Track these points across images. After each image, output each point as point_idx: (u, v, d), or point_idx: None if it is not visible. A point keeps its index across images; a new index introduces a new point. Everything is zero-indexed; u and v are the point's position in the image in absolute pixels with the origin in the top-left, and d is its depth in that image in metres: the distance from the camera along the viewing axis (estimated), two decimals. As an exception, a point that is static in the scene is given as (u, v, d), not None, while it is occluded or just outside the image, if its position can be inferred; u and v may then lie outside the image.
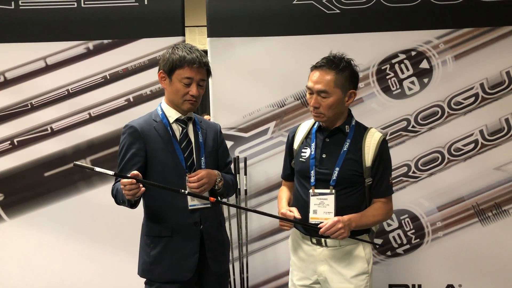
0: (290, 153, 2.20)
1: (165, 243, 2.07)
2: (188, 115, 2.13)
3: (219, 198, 2.19)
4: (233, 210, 3.00)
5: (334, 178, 2.04)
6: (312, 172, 2.07)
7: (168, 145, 2.07)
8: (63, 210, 3.09)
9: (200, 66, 2.03)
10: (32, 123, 3.07)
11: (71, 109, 3.07)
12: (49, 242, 3.10)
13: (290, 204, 2.19)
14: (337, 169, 2.04)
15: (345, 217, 1.97)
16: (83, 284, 3.11)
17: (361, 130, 2.10)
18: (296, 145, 2.18)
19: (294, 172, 2.21)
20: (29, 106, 3.07)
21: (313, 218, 2.05)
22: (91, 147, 3.06)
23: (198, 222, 2.09)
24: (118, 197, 2.04)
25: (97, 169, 1.82)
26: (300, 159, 2.13)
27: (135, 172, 1.87)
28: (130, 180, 1.83)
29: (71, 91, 3.06)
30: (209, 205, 2.10)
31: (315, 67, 2.04)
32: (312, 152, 2.09)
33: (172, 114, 2.11)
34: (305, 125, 2.21)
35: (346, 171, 2.04)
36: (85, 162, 3.07)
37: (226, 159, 2.29)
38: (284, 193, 2.27)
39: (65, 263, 3.11)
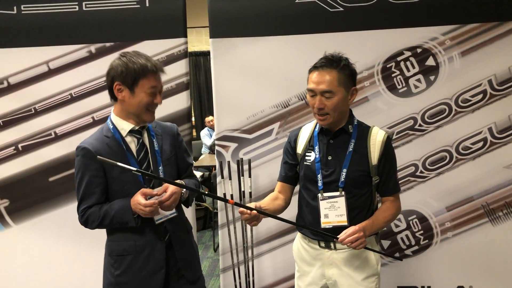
0: (294, 158, 2.15)
1: (130, 262, 1.99)
2: (142, 124, 2.02)
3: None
4: (237, 213, 2.97)
5: (343, 179, 1.99)
6: (319, 176, 2.02)
7: (124, 161, 1.89)
8: (68, 214, 3.06)
9: (160, 73, 1.95)
10: (36, 128, 3.08)
11: (74, 113, 3.07)
12: (55, 247, 3.10)
13: (280, 206, 2.12)
14: (345, 170, 1.99)
15: (360, 227, 1.92)
16: (89, 288, 3.11)
17: (365, 129, 2.06)
18: (300, 149, 2.12)
19: (293, 174, 2.16)
20: (33, 111, 3.07)
21: (325, 222, 2.01)
22: (95, 151, 3.05)
23: (162, 236, 2.02)
24: (108, 221, 1.95)
25: (120, 164, 1.77)
26: (305, 163, 2.08)
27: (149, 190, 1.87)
28: (151, 202, 1.85)
29: (74, 95, 3.06)
30: (175, 214, 2.03)
31: (315, 68, 1.96)
32: (317, 156, 2.04)
33: (125, 126, 1.98)
34: (307, 128, 2.16)
35: (354, 172, 1.99)
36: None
37: (187, 162, 2.19)
38: (270, 195, 2.18)
39: (70, 268, 3.11)
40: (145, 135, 2.03)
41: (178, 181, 2.00)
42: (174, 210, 2.02)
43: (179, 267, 2.06)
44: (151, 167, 2.01)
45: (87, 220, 1.99)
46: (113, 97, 1.97)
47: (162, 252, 2.01)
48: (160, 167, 2.02)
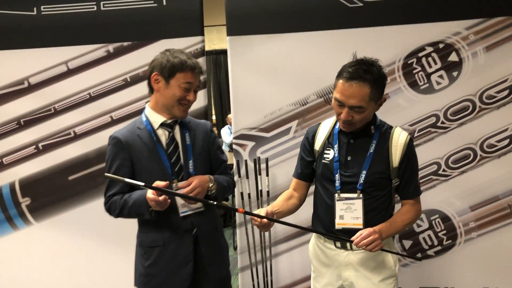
0: (311, 154, 2.10)
1: (158, 253, 2.02)
2: (174, 119, 2.06)
3: (224, 204, 2.12)
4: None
5: (361, 182, 1.93)
6: (337, 175, 1.97)
7: (153, 152, 2.00)
8: (88, 213, 3.11)
9: (199, 73, 2.02)
10: (56, 128, 3.11)
11: (93, 112, 3.08)
12: (75, 244, 3.13)
13: (294, 206, 2.09)
14: (364, 172, 1.93)
15: (376, 229, 1.87)
16: (108, 285, 3.13)
17: (387, 130, 1.99)
18: (317, 146, 2.06)
19: (309, 171, 2.11)
20: (52, 111, 3.10)
21: (339, 224, 1.96)
22: (113, 150, 3.06)
23: (190, 229, 2.03)
24: (127, 211, 1.99)
25: (127, 180, 1.81)
26: (323, 161, 2.02)
27: (162, 183, 1.85)
28: (154, 196, 1.83)
29: (92, 95, 3.08)
30: (202, 209, 2.05)
31: (345, 78, 1.82)
32: (336, 155, 1.98)
33: (157, 119, 2.04)
34: (326, 125, 2.09)
35: (373, 174, 1.93)
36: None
37: (221, 159, 2.21)
38: (283, 194, 2.13)
39: (90, 265, 3.14)
40: (177, 129, 2.06)
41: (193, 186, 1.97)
42: (200, 204, 2.04)
43: (204, 263, 2.06)
44: (181, 160, 2.04)
45: (109, 208, 2.05)
46: (150, 88, 2.03)
47: (189, 245, 2.02)
48: (190, 161, 2.04)
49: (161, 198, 1.85)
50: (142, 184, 1.78)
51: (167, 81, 1.97)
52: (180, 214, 2.01)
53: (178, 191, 1.95)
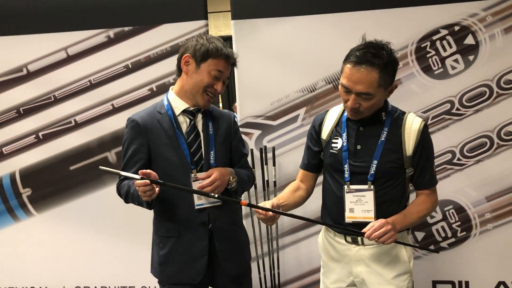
0: (318, 144, 2.00)
1: (173, 244, 1.97)
2: (197, 108, 1.99)
3: (236, 196, 2.07)
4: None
5: (372, 172, 1.83)
6: (346, 166, 1.87)
7: (173, 139, 1.93)
8: (90, 203, 3.06)
9: (232, 64, 1.96)
10: (56, 116, 3.03)
11: (94, 100, 3.00)
12: (77, 236, 3.08)
13: (301, 198, 2.01)
14: (375, 162, 1.83)
15: (389, 220, 1.78)
16: (111, 277, 3.09)
17: (399, 116, 1.88)
18: (324, 134, 1.96)
19: (317, 162, 2.02)
20: (53, 99, 3.02)
21: (349, 217, 1.87)
22: (115, 139, 2.99)
23: (206, 222, 1.97)
24: (130, 198, 1.95)
25: (123, 173, 1.77)
26: (331, 150, 1.92)
27: (147, 171, 1.76)
28: (143, 181, 1.72)
29: (93, 82, 2.99)
30: (218, 203, 1.97)
31: (352, 62, 1.72)
32: (344, 143, 1.88)
33: (179, 105, 1.97)
34: (334, 112, 1.99)
35: (385, 164, 1.83)
36: (109, 155, 3.02)
37: (242, 152, 2.14)
38: (290, 185, 2.05)
39: (93, 257, 3.09)
40: (199, 117, 2.00)
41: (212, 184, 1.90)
42: (217, 200, 1.96)
43: (219, 258, 2.00)
44: (201, 150, 1.97)
45: (119, 192, 2.01)
46: (179, 70, 1.97)
47: (204, 239, 1.97)
48: (211, 152, 1.98)
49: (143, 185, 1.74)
50: (139, 177, 1.71)
51: (198, 65, 1.90)
52: (196, 206, 1.95)
53: (197, 182, 1.90)
